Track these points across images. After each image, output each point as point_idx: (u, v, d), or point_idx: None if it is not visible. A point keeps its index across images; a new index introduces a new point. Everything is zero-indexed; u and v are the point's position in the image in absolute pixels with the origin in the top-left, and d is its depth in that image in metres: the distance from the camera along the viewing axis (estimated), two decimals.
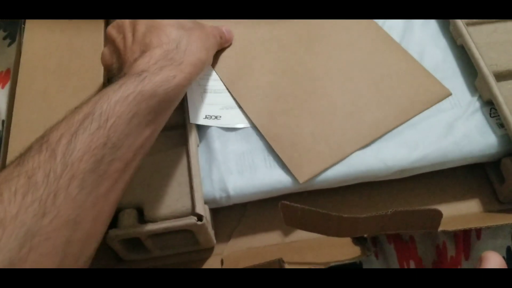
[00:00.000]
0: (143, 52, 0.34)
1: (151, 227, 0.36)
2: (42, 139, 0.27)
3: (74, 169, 0.26)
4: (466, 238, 0.39)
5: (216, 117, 0.41)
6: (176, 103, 0.34)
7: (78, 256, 0.27)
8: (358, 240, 0.38)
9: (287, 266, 0.33)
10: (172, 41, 0.35)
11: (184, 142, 0.41)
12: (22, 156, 0.26)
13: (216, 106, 0.42)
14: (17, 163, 0.26)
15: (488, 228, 0.39)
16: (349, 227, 0.33)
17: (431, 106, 0.41)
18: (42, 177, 0.25)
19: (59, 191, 0.25)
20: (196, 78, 0.36)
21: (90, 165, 0.27)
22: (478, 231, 0.39)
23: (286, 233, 0.41)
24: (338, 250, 0.37)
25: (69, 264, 0.26)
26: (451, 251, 0.38)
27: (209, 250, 0.41)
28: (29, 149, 0.27)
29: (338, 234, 0.34)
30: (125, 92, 0.29)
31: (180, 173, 0.39)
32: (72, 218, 0.26)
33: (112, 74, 0.37)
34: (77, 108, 0.29)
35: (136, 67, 0.32)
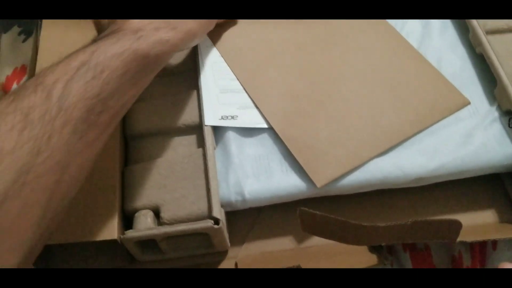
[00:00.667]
0: None
1: (167, 229, 0.36)
2: (37, 80, 0.27)
3: (68, 114, 0.27)
4: (482, 249, 0.39)
5: (232, 117, 0.41)
6: (161, 67, 0.34)
7: (63, 197, 0.28)
8: (374, 248, 0.38)
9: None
10: None
11: (200, 144, 0.41)
12: (17, 93, 0.27)
13: (232, 106, 0.41)
14: (12, 99, 0.26)
15: (504, 239, 0.39)
16: (368, 235, 0.33)
17: (450, 114, 0.40)
18: (38, 116, 0.26)
19: (53, 133, 0.26)
20: (184, 48, 0.36)
21: (83, 113, 0.28)
22: (494, 242, 0.39)
23: (301, 238, 0.41)
24: (354, 258, 0.37)
25: (55, 204, 0.27)
26: (467, 261, 0.38)
27: (223, 253, 0.41)
28: (23, 88, 0.27)
29: (357, 242, 0.34)
30: (121, 48, 0.30)
31: (197, 176, 0.39)
32: (62, 160, 0.27)
33: (103, 29, 0.36)
34: (73, 54, 0.29)
35: (132, 23, 0.32)
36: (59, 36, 0.46)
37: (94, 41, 0.31)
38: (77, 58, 0.29)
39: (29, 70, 0.45)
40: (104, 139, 0.31)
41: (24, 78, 0.48)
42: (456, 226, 0.33)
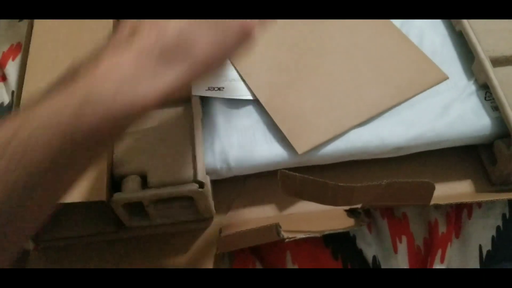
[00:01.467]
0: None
1: (154, 192, 0.38)
2: None
3: None
4: (458, 217, 0.40)
5: (219, 89, 0.42)
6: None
7: None
8: (352, 213, 0.39)
9: (283, 233, 0.34)
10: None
11: (188, 114, 0.42)
12: None
13: (219, 78, 0.43)
14: None
15: (479, 208, 0.41)
16: (345, 196, 0.35)
17: (428, 88, 0.42)
18: None
19: None
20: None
21: None
22: (470, 211, 0.41)
23: (284, 206, 0.42)
24: (333, 221, 0.38)
25: None
26: (442, 228, 0.39)
27: (209, 220, 0.42)
28: None
29: (334, 203, 0.36)
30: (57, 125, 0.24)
31: (184, 144, 0.40)
32: None
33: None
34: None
35: (103, 68, 0.25)
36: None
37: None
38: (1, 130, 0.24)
39: (23, 47, 0.46)
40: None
41: (19, 55, 0.49)
42: (429, 188, 0.34)
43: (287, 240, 0.34)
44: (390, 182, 0.34)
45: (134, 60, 0.25)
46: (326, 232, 0.35)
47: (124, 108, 0.25)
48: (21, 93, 0.43)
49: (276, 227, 0.33)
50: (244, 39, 0.29)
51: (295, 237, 0.35)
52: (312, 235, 0.35)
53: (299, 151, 0.39)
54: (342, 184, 0.34)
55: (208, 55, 0.27)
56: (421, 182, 0.34)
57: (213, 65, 0.29)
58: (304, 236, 0.35)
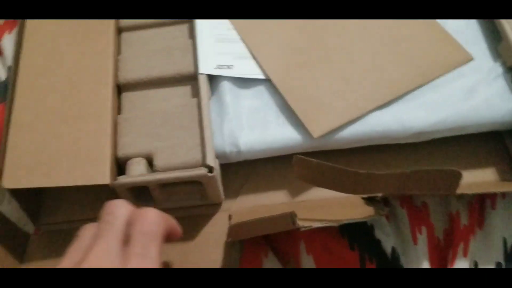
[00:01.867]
0: None
1: (161, 176, 0.35)
2: None
3: None
4: (481, 207, 0.38)
5: (228, 67, 0.40)
6: None
7: None
8: (370, 201, 0.37)
9: (298, 221, 0.32)
10: None
11: (195, 95, 0.40)
12: None
13: (228, 55, 0.40)
14: None
15: (503, 198, 0.38)
16: (365, 184, 0.32)
17: (452, 70, 0.39)
18: None
19: None
20: None
21: None
22: (493, 201, 0.38)
23: (295, 192, 0.40)
24: (350, 210, 0.36)
25: None
26: (464, 220, 0.37)
27: (217, 206, 0.40)
28: None
29: (354, 191, 0.33)
30: None
31: (191, 125, 0.38)
32: None
33: None
34: None
35: None
36: None
37: None
38: None
39: (20, 22, 0.43)
40: None
41: (16, 28, 0.46)
42: (456, 176, 0.32)
43: (302, 229, 0.32)
44: (415, 170, 0.32)
45: None
46: (344, 221, 0.33)
47: None
48: (18, 68, 0.40)
49: (291, 216, 0.31)
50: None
51: (311, 226, 0.32)
52: (329, 224, 0.33)
53: (315, 135, 0.37)
54: (362, 171, 0.32)
55: None
56: (447, 170, 0.32)
57: None
58: (320, 225, 0.33)
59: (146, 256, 0.29)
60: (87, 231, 0.31)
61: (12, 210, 0.40)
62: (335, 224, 0.33)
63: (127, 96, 0.41)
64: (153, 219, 0.31)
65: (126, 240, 0.30)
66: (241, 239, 0.36)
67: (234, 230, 0.35)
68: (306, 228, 0.32)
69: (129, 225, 0.31)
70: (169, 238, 0.33)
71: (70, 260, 0.29)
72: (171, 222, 0.33)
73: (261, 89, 0.40)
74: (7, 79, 0.45)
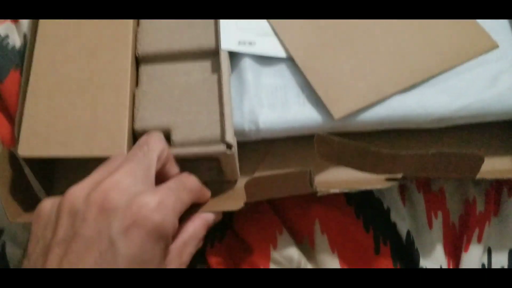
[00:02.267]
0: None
1: (178, 151, 0.35)
2: None
3: None
4: (497, 195, 0.38)
5: (250, 43, 0.39)
6: None
7: None
8: (389, 182, 0.37)
9: (316, 184, 0.31)
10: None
11: (215, 70, 0.39)
12: None
13: (251, 32, 0.40)
14: None
15: None
16: (387, 163, 0.32)
17: (477, 56, 0.39)
18: None
19: None
20: None
21: None
22: (510, 189, 0.38)
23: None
24: (366, 185, 0.36)
25: None
26: (480, 207, 0.37)
27: (232, 183, 0.40)
28: None
29: (374, 170, 0.33)
30: None
31: (211, 101, 0.37)
32: None
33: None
34: None
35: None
36: None
37: None
38: None
39: None
40: None
41: None
42: (478, 160, 0.32)
43: (319, 193, 0.32)
44: (437, 152, 0.31)
45: None
46: (362, 189, 0.33)
47: None
48: (35, 36, 0.40)
49: (309, 174, 0.31)
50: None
51: (328, 190, 0.32)
52: (346, 190, 0.33)
53: (336, 116, 0.36)
54: (385, 150, 0.32)
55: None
56: (469, 153, 0.32)
57: None
58: (338, 191, 0.33)
59: (176, 193, 0.29)
60: (118, 157, 0.31)
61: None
62: (352, 190, 0.33)
63: (145, 69, 0.40)
64: (195, 181, 0.32)
65: (157, 177, 0.30)
66: (258, 200, 0.35)
67: (250, 188, 0.35)
68: (323, 193, 0.32)
69: (162, 165, 0.31)
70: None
71: (93, 179, 0.29)
72: (206, 198, 0.34)
73: (283, 68, 0.39)
74: (22, 46, 0.44)
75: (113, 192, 0.27)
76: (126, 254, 0.26)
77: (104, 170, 0.29)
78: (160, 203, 0.27)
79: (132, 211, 0.26)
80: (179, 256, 0.31)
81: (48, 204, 0.29)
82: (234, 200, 0.36)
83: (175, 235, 0.31)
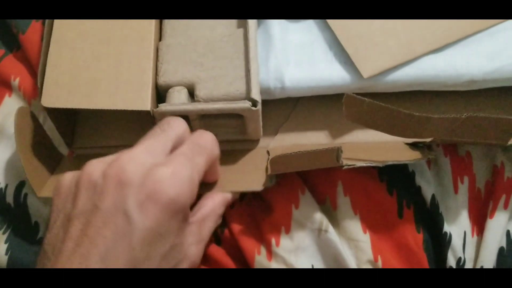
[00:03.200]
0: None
1: (203, 106, 0.34)
2: None
3: None
4: None
5: None
6: None
7: None
8: (415, 147, 0.36)
9: (343, 159, 0.31)
10: None
11: (241, 24, 0.38)
12: None
13: None
14: None
15: None
16: (417, 127, 0.31)
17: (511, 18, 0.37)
18: None
19: None
20: None
21: None
22: None
23: (337, 134, 0.39)
24: (395, 153, 0.35)
25: None
26: (508, 172, 0.37)
27: (255, 142, 0.39)
28: None
29: (404, 134, 0.32)
30: None
31: (236, 56, 0.36)
32: None
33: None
34: None
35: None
36: None
37: None
38: None
39: None
40: None
41: None
42: (510, 126, 0.31)
43: (345, 167, 0.31)
44: (470, 116, 0.30)
45: None
46: (390, 163, 0.32)
47: None
48: None
49: (337, 151, 0.30)
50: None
51: (354, 164, 0.32)
52: (373, 164, 0.32)
53: (365, 75, 0.35)
54: (417, 113, 0.31)
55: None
56: (503, 118, 0.31)
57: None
58: (364, 164, 0.32)
59: (191, 160, 0.30)
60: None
61: (47, 129, 0.40)
62: (380, 164, 0.32)
63: (169, 23, 0.39)
64: (209, 138, 0.32)
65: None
66: (283, 172, 0.35)
67: (274, 162, 0.35)
68: (349, 167, 0.31)
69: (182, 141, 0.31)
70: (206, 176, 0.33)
71: (112, 156, 0.29)
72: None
73: (311, 24, 0.38)
74: None
75: (128, 165, 0.27)
76: (142, 228, 0.26)
77: (124, 150, 0.30)
78: (174, 175, 0.28)
79: (147, 186, 0.27)
80: (198, 229, 0.32)
81: (68, 178, 0.30)
82: (256, 171, 0.36)
83: (194, 211, 0.32)
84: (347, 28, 0.37)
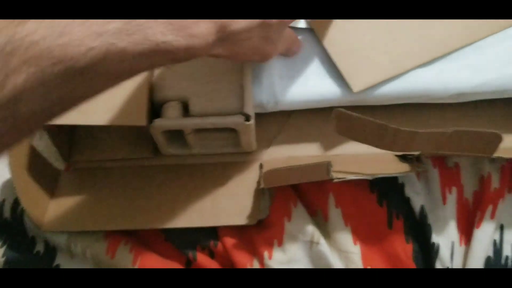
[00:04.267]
0: None
1: (197, 121, 0.35)
2: None
3: None
4: None
5: None
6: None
7: None
8: (404, 159, 0.37)
9: (332, 172, 0.32)
10: None
11: None
12: None
13: None
14: None
15: None
16: (405, 141, 0.32)
17: (499, 30, 0.38)
18: None
19: None
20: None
21: None
22: None
23: (328, 146, 0.40)
24: (384, 165, 0.36)
25: None
26: (495, 183, 0.37)
27: (249, 154, 0.40)
28: None
29: (392, 147, 0.33)
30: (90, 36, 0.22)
31: (230, 71, 0.37)
32: None
33: None
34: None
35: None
36: None
37: None
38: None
39: None
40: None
41: None
42: (496, 139, 0.32)
43: (335, 180, 0.32)
44: (456, 130, 0.31)
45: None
46: (379, 175, 0.33)
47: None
48: None
49: (327, 165, 0.31)
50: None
51: (344, 177, 0.33)
52: (362, 177, 0.33)
53: (355, 89, 0.36)
54: (404, 128, 0.32)
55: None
56: (488, 132, 0.31)
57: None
58: (354, 177, 0.33)
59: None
60: None
61: (43, 146, 0.41)
62: (369, 177, 0.33)
63: None
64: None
65: None
66: (273, 186, 0.36)
67: (268, 177, 0.35)
68: (340, 180, 0.32)
69: None
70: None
71: None
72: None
73: (303, 39, 0.39)
74: None
75: None
76: None
77: None
78: None
79: None
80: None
81: None
82: (248, 196, 0.38)
83: None
84: (338, 43, 0.38)
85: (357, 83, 0.36)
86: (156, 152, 0.40)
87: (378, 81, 0.36)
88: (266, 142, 0.40)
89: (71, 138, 0.41)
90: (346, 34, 0.38)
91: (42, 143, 0.41)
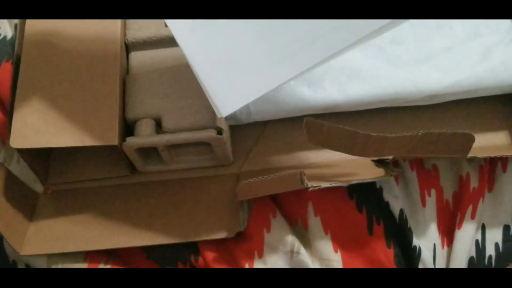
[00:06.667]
0: None
1: (169, 137, 0.35)
2: None
3: None
4: (491, 171, 0.38)
5: None
6: None
7: None
8: (380, 163, 0.37)
9: (307, 181, 0.31)
10: None
11: None
12: None
13: None
14: None
15: None
16: (376, 146, 0.32)
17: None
18: None
19: None
20: None
21: None
22: (504, 164, 0.38)
23: (305, 155, 0.40)
24: (360, 171, 0.36)
25: None
26: (474, 183, 0.37)
27: (226, 167, 0.40)
28: None
29: (364, 153, 0.33)
30: None
31: (201, 86, 0.37)
32: None
33: None
34: None
35: None
36: None
37: None
38: None
39: None
40: None
41: None
42: (468, 139, 0.32)
43: (310, 189, 0.32)
44: (426, 133, 0.31)
45: None
46: (354, 182, 0.33)
47: None
48: (24, 26, 0.39)
49: (300, 175, 0.31)
50: None
51: (319, 186, 0.32)
52: (338, 184, 0.33)
53: (222, 114, 0.31)
54: (374, 134, 0.31)
55: None
56: (459, 133, 0.31)
57: None
58: (329, 185, 0.33)
59: None
60: None
61: (20, 170, 0.41)
62: (344, 184, 0.33)
63: (135, 56, 0.40)
64: None
65: None
66: (250, 198, 0.36)
67: (243, 189, 0.35)
68: (315, 188, 0.32)
69: None
70: None
71: None
72: None
73: None
74: (13, 36, 0.44)
75: None
76: None
77: None
78: None
79: None
80: None
81: None
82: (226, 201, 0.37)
83: None
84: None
85: (225, 106, 0.31)
86: (134, 170, 0.40)
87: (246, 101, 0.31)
88: (243, 153, 0.40)
89: (48, 160, 0.41)
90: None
91: (18, 167, 0.41)
